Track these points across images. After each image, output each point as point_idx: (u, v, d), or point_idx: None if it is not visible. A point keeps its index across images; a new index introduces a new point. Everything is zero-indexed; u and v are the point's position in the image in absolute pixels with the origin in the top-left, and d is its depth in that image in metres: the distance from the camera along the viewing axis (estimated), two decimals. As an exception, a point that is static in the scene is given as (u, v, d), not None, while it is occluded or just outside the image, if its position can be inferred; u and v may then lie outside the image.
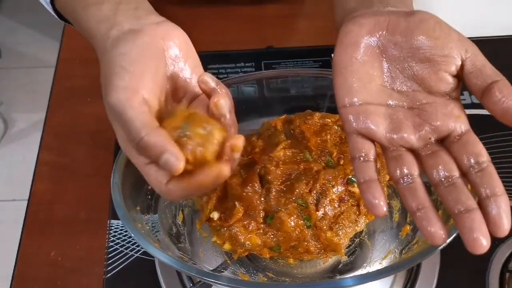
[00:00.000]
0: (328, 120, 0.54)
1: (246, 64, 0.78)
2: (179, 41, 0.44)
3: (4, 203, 1.66)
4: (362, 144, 0.41)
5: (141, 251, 0.59)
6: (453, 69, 0.41)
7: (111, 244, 0.60)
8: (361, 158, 0.41)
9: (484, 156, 0.38)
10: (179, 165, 0.37)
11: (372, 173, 0.40)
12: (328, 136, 0.52)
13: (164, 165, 0.37)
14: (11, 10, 2.26)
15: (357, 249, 0.54)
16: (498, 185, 0.37)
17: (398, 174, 0.39)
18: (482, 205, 0.36)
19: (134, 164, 0.42)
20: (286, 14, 0.88)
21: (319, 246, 0.48)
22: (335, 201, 0.49)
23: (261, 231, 0.48)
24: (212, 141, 0.38)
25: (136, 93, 0.39)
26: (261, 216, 0.48)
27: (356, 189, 0.49)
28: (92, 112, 0.75)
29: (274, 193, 0.49)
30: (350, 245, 0.53)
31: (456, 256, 0.58)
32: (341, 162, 0.50)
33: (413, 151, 0.41)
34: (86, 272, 0.60)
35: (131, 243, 0.60)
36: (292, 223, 0.47)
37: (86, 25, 0.46)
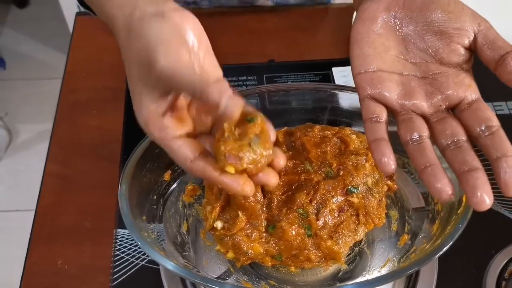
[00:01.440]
0: (328, 132, 0.55)
1: (249, 78, 0.80)
2: (194, 27, 0.45)
3: (9, 213, 1.67)
4: (374, 107, 0.43)
5: (146, 260, 0.61)
6: (466, 41, 0.43)
7: (117, 252, 0.62)
8: (373, 120, 0.42)
9: (494, 121, 0.39)
10: (237, 112, 0.38)
11: (383, 132, 0.42)
12: (328, 148, 0.53)
13: (225, 109, 0.38)
14: (16, 22, 2.28)
15: (357, 258, 0.55)
16: (508, 147, 0.38)
17: (408, 135, 0.41)
18: (493, 166, 0.37)
19: (156, 141, 0.44)
20: (287, 28, 0.90)
21: (319, 254, 0.49)
22: (335, 211, 0.50)
23: (263, 240, 0.49)
24: (264, 164, 0.41)
25: (182, 57, 0.41)
26: (263, 225, 0.49)
27: (355, 199, 0.50)
28: (97, 125, 0.77)
29: (275, 203, 0.50)
30: (349, 254, 0.54)
31: (454, 265, 0.59)
32: (341, 173, 0.51)
33: (424, 117, 0.42)
34: (91, 280, 0.61)
35: (136, 251, 0.61)
36: (293, 232, 0.48)
37: (109, 10, 0.47)
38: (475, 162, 0.38)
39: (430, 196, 0.54)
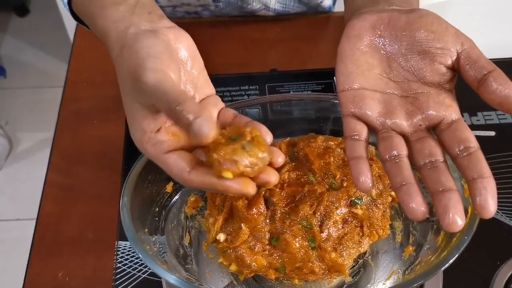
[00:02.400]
0: (331, 143, 0.55)
1: (250, 87, 0.79)
2: (187, 45, 0.46)
3: (9, 222, 1.67)
4: (355, 125, 0.44)
5: (148, 272, 0.60)
6: (448, 61, 0.43)
7: (119, 265, 0.61)
8: (353, 137, 0.43)
9: (472, 142, 0.39)
10: (210, 133, 0.37)
11: (362, 151, 0.42)
12: (331, 159, 0.53)
13: (197, 130, 0.37)
14: (17, 30, 2.29)
15: (361, 270, 0.55)
16: (485, 168, 0.38)
17: (386, 153, 0.41)
18: (469, 188, 0.37)
19: (152, 158, 0.43)
20: (289, 37, 0.90)
21: (323, 267, 0.49)
22: (339, 222, 0.49)
23: (267, 252, 0.49)
24: (260, 166, 0.41)
25: (168, 73, 0.41)
26: (267, 237, 0.49)
27: (359, 211, 0.50)
28: (98, 134, 0.77)
29: (279, 215, 0.49)
30: (354, 266, 0.54)
31: (459, 276, 0.59)
32: (344, 184, 0.51)
33: (404, 136, 0.42)
34: (93, 292, 0.61)
35: (138, 263, 0.61)
36: (297, 244, 0.48)
37: (102, 24, 0.48)
38: (450, 183, 0.38)
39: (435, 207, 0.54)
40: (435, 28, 0.43)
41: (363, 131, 0.43)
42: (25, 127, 1.92)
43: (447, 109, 0.42)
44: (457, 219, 0.36)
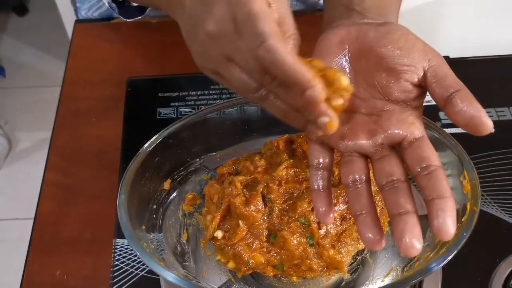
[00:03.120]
0: (329, 139, 0.55)
1: (248, 85, 0.79)
2: None
3: (8, 221, 1.67)
4: (318, 152, 0.43)
5: (146, 270, 0.60)
6: (415, 78, 0.41)
7: (116, 263, 0.61)
8: (315, 166, 0.43)
9: (433, 161, 0.38)
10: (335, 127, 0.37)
11: (324, 183, 0.42)
12: (330, 155, 0.53)
13: (311, 97, 0.35)
14: (16, 30, 2.29)
15: (360, 267, 0.54)
16: (444, 188, 0.36)
17: (346, 178, 0.41)
18: (427, 209, 0.36)
19: (209, 66, 0.42)
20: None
21: (321, 264, 0.49)
22: (337, 219, 0.49)
23: (265, 250, 0.49)
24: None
25: None
26: (265, 234, 0.49)
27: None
28: (97, 133, 0.76)
29: (277, 212, 0.49)
30: (352, 263, 0.54)
31: (458, 273, 0.59)
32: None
33: (368, 157, 0.42)
34: (91, 291, 0.60)
35: (136, 261, 0.61)
36: (295, 241, 0.48)
37: None
38: (408, 205, 0.36)
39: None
40: (401, 44, 0.42)
41: (326, 159, 0.43)
42: (24, 126, 1.92)
43: (409, 127, 0.41)
44: (414, 243, 0.35)
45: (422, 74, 0.41)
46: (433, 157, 0.38)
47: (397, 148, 0.41)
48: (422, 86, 0.42)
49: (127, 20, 0.77)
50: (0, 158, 1.80)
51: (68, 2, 0.98)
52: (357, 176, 0.40)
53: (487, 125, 0.38)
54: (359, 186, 0.40)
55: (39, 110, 1.94)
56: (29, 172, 1.75)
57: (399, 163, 0.39)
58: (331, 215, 0.40)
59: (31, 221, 0.67)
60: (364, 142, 0.41)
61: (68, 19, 1.75)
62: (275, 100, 0.40)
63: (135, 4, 0.75)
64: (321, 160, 0.43)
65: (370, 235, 0.37)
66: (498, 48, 0.82)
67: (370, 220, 0.37)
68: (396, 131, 0.41)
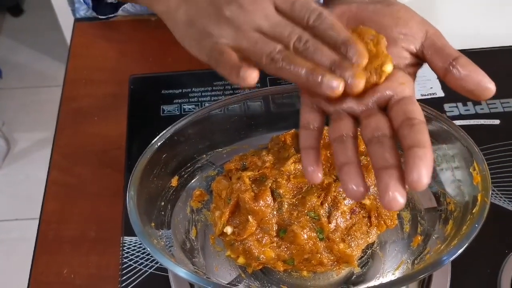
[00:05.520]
0: (337, 133, 0.54)
1: (252, 80, 0.79)
2: None
3: (8, 222, 1.66)
4: (309, 114, 0.43)
5: (154, 267, 0.60)
6: (411, 46, 0.42)
7: (125, 260, 0.61)
8: (306, 127, 0.42)
9: (417, 115, 0.37)
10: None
11: (313, 141, 0.41)
12: (338, 149, 0.53)
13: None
14: (13, 30, 2.28)
15: (370, 260, 0.54)
16: (425, 140, 0.35)
17: (333, 134, 0.40)
18: (405, 156, 0.35)
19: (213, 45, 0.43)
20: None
21: (332, 258, 0.49)
22: (347, 213, 0.49)
23: (275, 245, 0.49)
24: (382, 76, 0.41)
25: None
26: (274, 229, 0.49)
27: (367, 201, 0.50)
28: (99, 132, 0.76)
29: (286, 207, 0.49)
30: (362, 257, 0.54)
31: (467, 265, 0.58)
32: (351, 175, 0.51)
33: (356, 117, 0.41)
34: (98, 289, 0.60)
35: (144, 259, 0.60)
36: (305, 236, 0.48)
37: None
38: (393, 159, 0.35)
39: (442, 196, 0.54)
40: (400, 15, 0.43)
41: (316, 120, 0.42)
42: (22, 127, 1.91)
43: (399, 86, 0.40)
44: (397, 196, 0.33)
45: (419, 44, 0.42)
46: (418, 112, 0.38)
47: (386, 108, 0.41)
48: (419, 57, 0.43)
49: (100, 16, 0.79)
50: (-2, 159, 1.79)
51: (64, 2, 0.97)
52: (344, 133, 0.39)
53: (491, 89, 0.39)
54: (346, 140, 0.39)
55: (37, 111, 1.94)
56: (28, 173, 1.75)
57: (386, 121, 0.39)
58: (319, 174, 0.39)
59: (31, 222, 0.67)
60: (354, 103, 0.41)
61: (64, 19, 1.75)
62: (289, 63, 0.40)
63: (109, 1, 0.74)
64: (311, 121, 0.42)
65: (354, 185, 0.36)
66: (498, 40, 0.83)
67: (354, 170, 0.36)
68: (386, 92, 0.40)
